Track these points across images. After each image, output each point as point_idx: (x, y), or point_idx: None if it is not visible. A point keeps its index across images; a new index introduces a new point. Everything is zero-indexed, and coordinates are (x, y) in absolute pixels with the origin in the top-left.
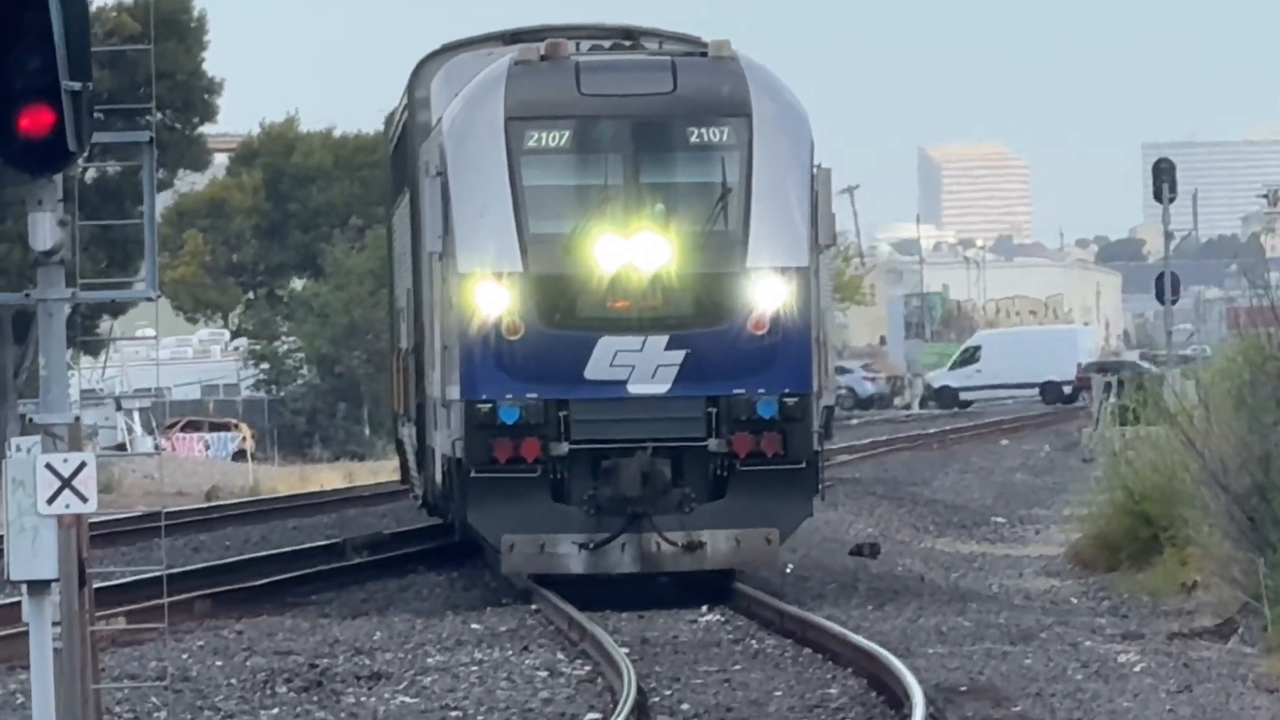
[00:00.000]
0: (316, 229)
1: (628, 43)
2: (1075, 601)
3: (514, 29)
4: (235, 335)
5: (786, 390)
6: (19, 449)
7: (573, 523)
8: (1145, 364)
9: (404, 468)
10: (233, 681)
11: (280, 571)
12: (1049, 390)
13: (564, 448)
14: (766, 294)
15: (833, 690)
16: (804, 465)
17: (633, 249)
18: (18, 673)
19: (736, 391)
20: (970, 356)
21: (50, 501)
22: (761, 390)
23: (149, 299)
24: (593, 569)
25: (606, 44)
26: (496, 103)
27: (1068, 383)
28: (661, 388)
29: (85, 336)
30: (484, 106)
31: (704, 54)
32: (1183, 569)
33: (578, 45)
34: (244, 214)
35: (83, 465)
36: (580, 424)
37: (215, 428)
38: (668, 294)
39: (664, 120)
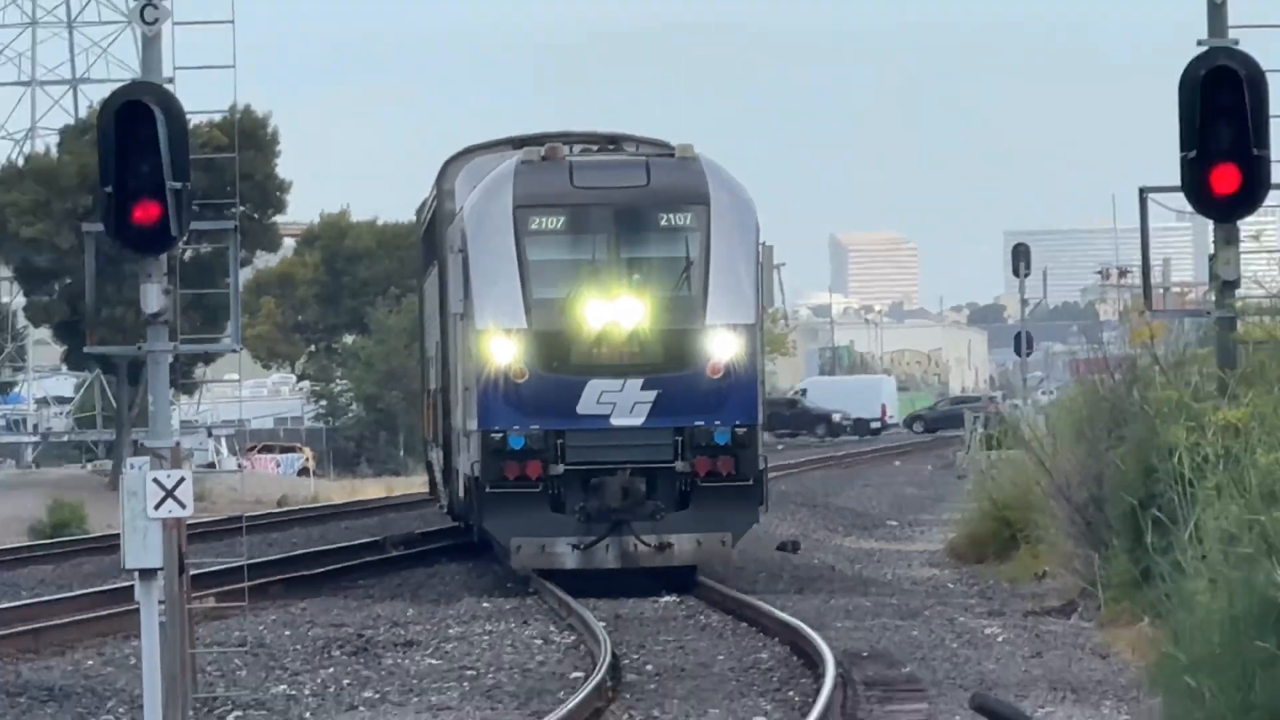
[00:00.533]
0: (364, 296)
1: (611, 146)
2: (951, 587)
3: (521, 135)
4: (300, 379)
5: (738, 422)
6: (133, 467)
7: (567, 528)
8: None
9: (431, 483)
10: (298, 647)
11: (335, 562)
12: (859, 425)
13: (560, 468)
14: (722, 345)
15: (763, 655)
16: (752, 482)
17: (615, 310)
18: (132, 640)
19: (698, 423)
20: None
21: (157, 507)
22: (718, 422)
23: (233, 350)
24: (583, 565)
25: (594, 147)
26: (506, 194)
27: (874, 419)
28: (638, 420)
29: (184, 380)
30: (497, 197)
31: (672, 155)
32: (1035, 561)
33: (571, 148)
34: (307, 285)
35: (182, 480)
36: (573, 449)
37: (284, 450)
38: (643, 345)
39: (640, 208)
